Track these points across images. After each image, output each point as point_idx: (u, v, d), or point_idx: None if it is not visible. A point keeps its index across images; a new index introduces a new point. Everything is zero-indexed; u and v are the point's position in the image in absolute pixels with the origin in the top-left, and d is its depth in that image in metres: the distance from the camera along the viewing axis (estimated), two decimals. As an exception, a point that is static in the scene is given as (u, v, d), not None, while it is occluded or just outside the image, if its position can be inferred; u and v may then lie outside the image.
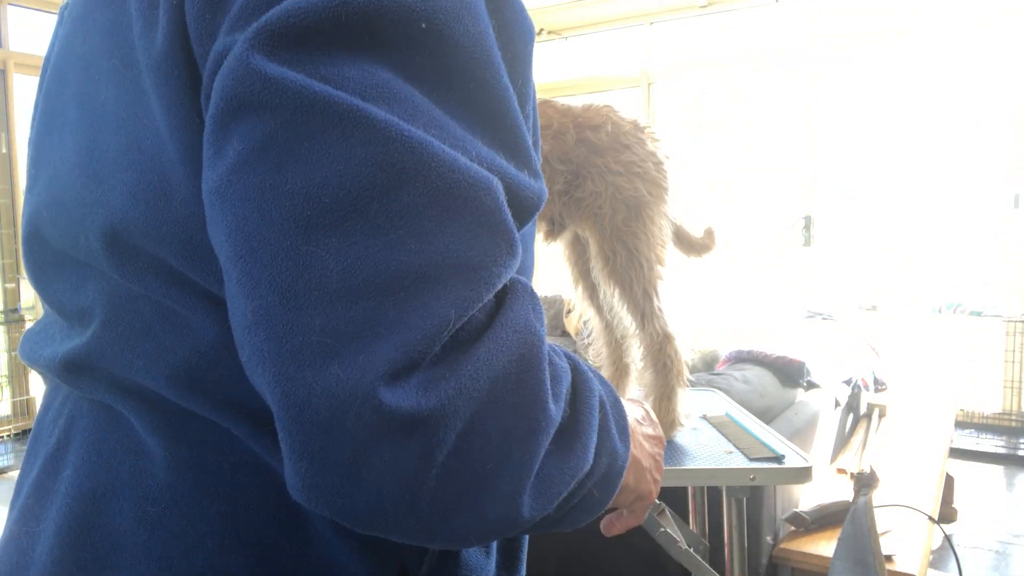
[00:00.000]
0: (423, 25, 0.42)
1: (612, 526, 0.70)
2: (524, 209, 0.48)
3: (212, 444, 0.51)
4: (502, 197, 0.44)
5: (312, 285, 0.39)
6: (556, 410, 0.46)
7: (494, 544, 0.61)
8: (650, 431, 0.68)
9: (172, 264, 0.50)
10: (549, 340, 0.58)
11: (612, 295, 1.39)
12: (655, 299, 1.38)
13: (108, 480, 0.53)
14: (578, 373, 0.52)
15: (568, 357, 0.53)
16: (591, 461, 0.50)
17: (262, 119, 0.40)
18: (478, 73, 0.45)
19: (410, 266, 0.40)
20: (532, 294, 0.48)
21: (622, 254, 1.36)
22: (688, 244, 1.53)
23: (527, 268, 0.56)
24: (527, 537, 0.67)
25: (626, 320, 1.41)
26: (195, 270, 0.49)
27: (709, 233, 1.55)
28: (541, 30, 5.98)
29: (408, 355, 0.39)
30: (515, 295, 0.46)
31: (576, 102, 1.41)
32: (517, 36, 0.50)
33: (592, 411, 0.51)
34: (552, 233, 1.48)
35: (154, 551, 0.51)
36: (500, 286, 0.44)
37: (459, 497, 0.42)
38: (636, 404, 0.68)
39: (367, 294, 0.39)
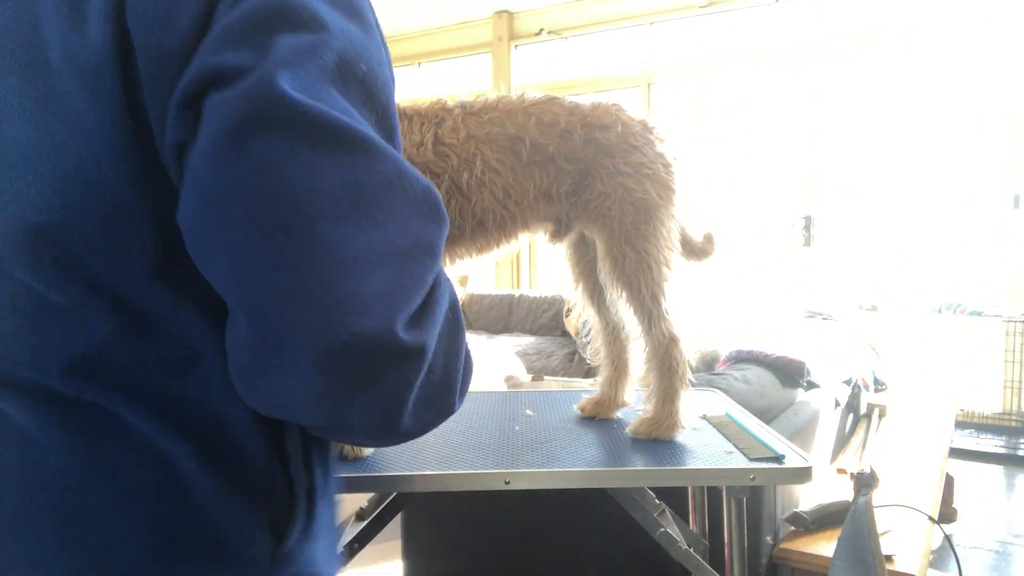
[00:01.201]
0: (363, 67, 0.57)
1: None
2: None
3: (104, 430, 0.57)
4: (439, 195, 0.60)
5: (340, 262, 0.52)
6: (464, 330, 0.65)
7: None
8: None
9: (80, 252, 0.56)
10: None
11: (619, 297, 1.39)
12: (662, 301, 1.37)
13: None
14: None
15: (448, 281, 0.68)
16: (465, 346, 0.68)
17: (291, 131, 0.51)
18: (390, 105, 0.60)
19: (401, 247, 0.55)
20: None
21: (631, 256, 1.35)
22: (688, 248, 1.53)
23: None
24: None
25: (632, 322, 1.41)
26: (103, 260, 0.56)
27: (709, 238, 1.54)
28: (541, 30, 5.98)
29: (410, 307, 0.55)
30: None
31: (582, 101, 1.41)
32: (393, 79, 0.65)
33: (460, 313, 0.67)
34: (558, 234, 1.48)
35: (57, 534, 0.56)
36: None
37: (429, 399, 0.60)
38: None
39: (378, 266, 0.53)
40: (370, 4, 0.62)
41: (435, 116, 1.32)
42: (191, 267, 0.56)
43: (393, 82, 0.63)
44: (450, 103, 1.34)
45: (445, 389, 0.61)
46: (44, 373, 0.57)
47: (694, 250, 1.53)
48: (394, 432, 0.60)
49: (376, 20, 0.62)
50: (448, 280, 0.61)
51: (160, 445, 0.58)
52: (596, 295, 1.52)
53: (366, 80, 0.57)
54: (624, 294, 1.37)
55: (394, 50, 6.69)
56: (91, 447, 0.57)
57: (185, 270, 0.56)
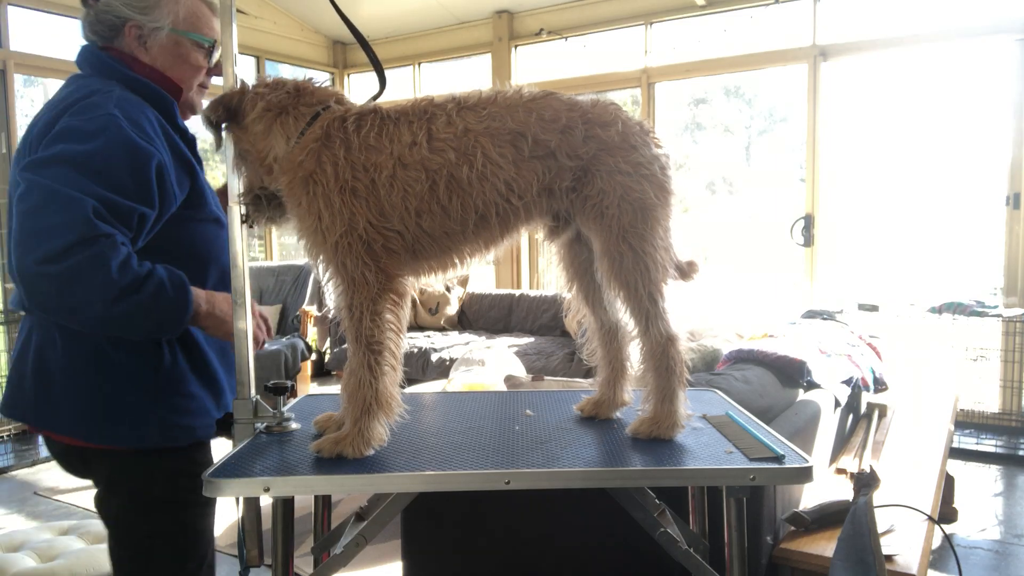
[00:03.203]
0: (78, 150, 1.34)
1: None
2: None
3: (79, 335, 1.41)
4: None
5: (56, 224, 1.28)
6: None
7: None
8: None
9: None
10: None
11: (617, 296, 1.38)
12: (660, 301, 1.37)
13: (44, 350, 1.46)
14: None
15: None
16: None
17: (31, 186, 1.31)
18: (111, 166, 1.36)
19: (52, 224, 1.28)
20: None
21: (628, 256, 1.35)
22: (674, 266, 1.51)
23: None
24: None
25: (630, 322, 1.41)
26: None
27: (692, 264, 1.53)
28: (541, 30, 5.98)
29: (44, 251, 1.26)
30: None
31: (580, 98, 1.41)
32: (126, 154, 1.42)
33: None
34: (556, 231, 1.47)
35: (73, 380, 1.43)
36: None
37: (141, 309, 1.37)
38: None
39: (38, 234, 1.29)
40: (111, 119, 1.34)
41: (424, 113, 1.32)
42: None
43: (123, 155, 1.33)
44: (438, 99, 1.34)
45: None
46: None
47: (678, 268, 1.52)
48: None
49: (114, 127, 1.34)
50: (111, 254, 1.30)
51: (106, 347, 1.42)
52: (591, 296, 1.51)
53: (79, 159, 1.30)
54: (622, 293, 1.37)
55: (394, 50, 6.69)
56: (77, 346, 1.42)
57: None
